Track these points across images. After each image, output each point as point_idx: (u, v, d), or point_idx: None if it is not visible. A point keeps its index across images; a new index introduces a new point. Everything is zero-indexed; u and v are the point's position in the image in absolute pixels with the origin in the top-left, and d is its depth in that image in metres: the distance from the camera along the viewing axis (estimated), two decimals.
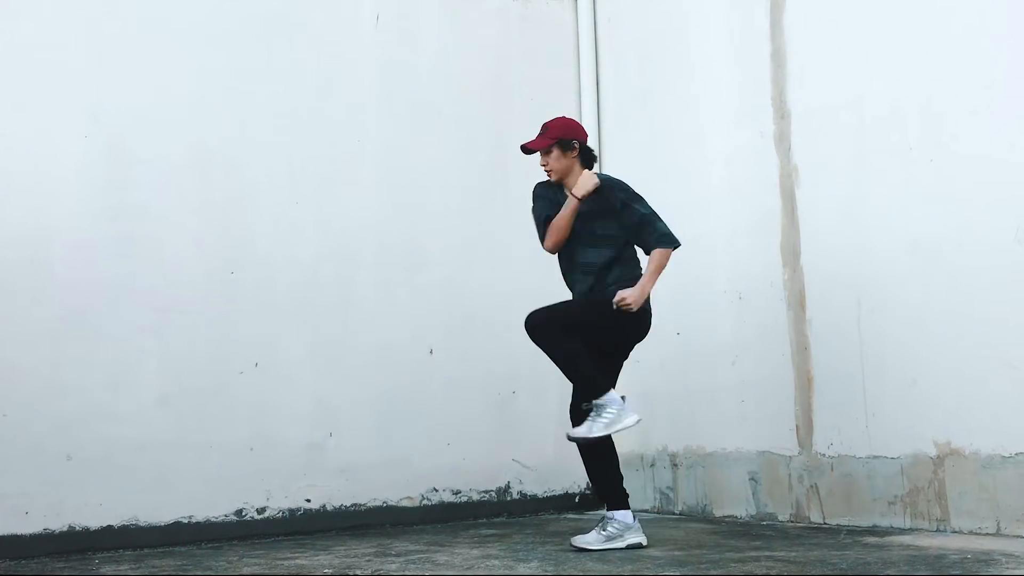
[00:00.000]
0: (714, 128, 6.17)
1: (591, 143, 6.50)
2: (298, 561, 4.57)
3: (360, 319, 5.98)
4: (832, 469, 5.37)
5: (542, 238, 4.87)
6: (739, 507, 5.88)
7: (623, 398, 4.70)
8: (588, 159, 4.99)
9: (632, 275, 4.82)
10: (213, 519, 5.42)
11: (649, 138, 6.57)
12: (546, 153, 4.91)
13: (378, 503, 5.91)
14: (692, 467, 6.18)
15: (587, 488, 6.55)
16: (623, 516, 4.77)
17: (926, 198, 5.01)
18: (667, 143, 6.46)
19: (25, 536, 4.96)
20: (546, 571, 4.07)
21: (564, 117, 5.10)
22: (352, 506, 5.82)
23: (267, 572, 4.30)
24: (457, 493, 6.16)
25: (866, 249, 5.26)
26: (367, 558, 4.58)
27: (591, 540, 4.68)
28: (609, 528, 4.72)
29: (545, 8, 6.86)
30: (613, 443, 4.86)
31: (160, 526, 5.26)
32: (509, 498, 6.29)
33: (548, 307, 4.70)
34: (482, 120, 6.55)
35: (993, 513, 4.67)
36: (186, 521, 5.34)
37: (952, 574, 3.70)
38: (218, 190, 5.64)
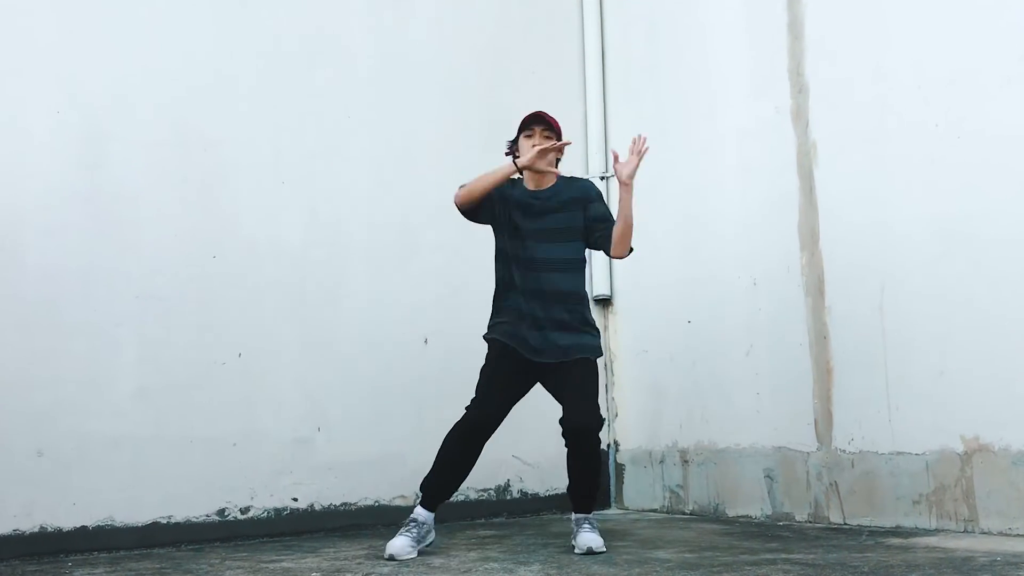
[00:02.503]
0: (727, 103, 6.15)
1: (596, 117, 6.53)
2: (284, 564, 4.55)
3: (350, 306, 5.98)
4: (853, 466, 5.36)
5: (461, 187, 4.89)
6: (754, 507, 5.87)
7: None
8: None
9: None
10: (194, 519, 5.40)
11: (657, 113, 6.55)
12: (548, 137, 4.85)
13: (370, 502, 5.90)
14: (704, 464, 6.17)
15: None
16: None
17: (953, 177, 4.99)
18: (677, 118, 6.45)
19: None
20: (548, 574, 4.05)
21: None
22: (342, 505, 5.82)
23: None
24: None
25: (889, 232, 5.24)
26: (358, 561, 4.56)
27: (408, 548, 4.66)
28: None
29: None
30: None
31: (137, 527, 5.25)
32: (509, 497, 6.28)
33: (590, 394, 4.77)
34: (480, 94, 6.53)
35: None
36: (165, 521, 5.32)
37: None
38: (198, 169, 5.61)
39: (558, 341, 4.77)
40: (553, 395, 4.88)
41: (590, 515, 4.83)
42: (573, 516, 4.86)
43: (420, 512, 4.77)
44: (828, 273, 5.53)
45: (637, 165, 4.76)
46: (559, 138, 4.89)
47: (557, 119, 4.88)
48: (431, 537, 4.81)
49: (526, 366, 4.82)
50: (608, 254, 4.91)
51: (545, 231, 4.83)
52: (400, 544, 4.63)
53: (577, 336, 4.81)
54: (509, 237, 4.86)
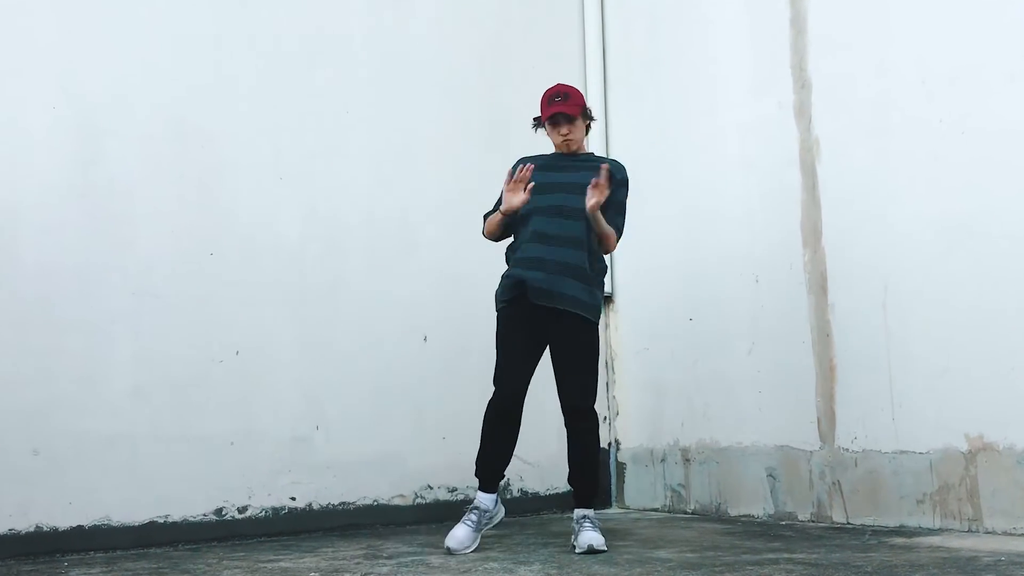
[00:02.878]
0: (729, 98, 6.14)
1: (596, 113, 6.52)
2: (282, 564, 4.54)
3: (349, 304, 5.97)
4: (856, 465, 5.35)
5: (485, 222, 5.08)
6: (756, 506, 5.86)
7: None
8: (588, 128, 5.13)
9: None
10: (191, 519, 5.39)
11: (659, 109, 6.55)
12: (572, 122, 4.94)
13: (368, 502, 5.89)
14: (705, 463, 6.17)
15: None
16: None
17: (957, 174, 4.98)
18: (678, 114, 6.45)
19: None
20: (548, 574, 4.04)
21: (567, 85, 5.05)
22: (340, 505, 5.81)
23: None
24: (453, 491, 6.15)
25: (892, 229, 5.24)
26: (356, 560, 4.56)
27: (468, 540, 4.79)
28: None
29: None
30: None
31: (134, 526, 5.24)
32: (508, 496, 6.27)
33: (586, 377, 4.86)
34: (479, 91, 6.53)
35: None
36: (162, 521, 5.32)
37: None
38: (196, 165, 5.60)
39: (563, 288, 4.77)
40: (553, 363, 4.89)
41: (591, 512, 4.83)
42: (574, 514, 4.85)
43: (480, 498, 4.88)
44: (831, 270, 5.52)
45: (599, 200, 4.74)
46: (584, 115, 4.96)
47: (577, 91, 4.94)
48: (499, 517, 4.98)
49: (533, 326, 4.84)
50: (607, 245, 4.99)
51: (568, 184, 4.85)
52: (460, 536, 4.73)
53: (584, 288, 4.81)
54: (534, 194, 4.81)
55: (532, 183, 4.79)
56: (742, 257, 6.00)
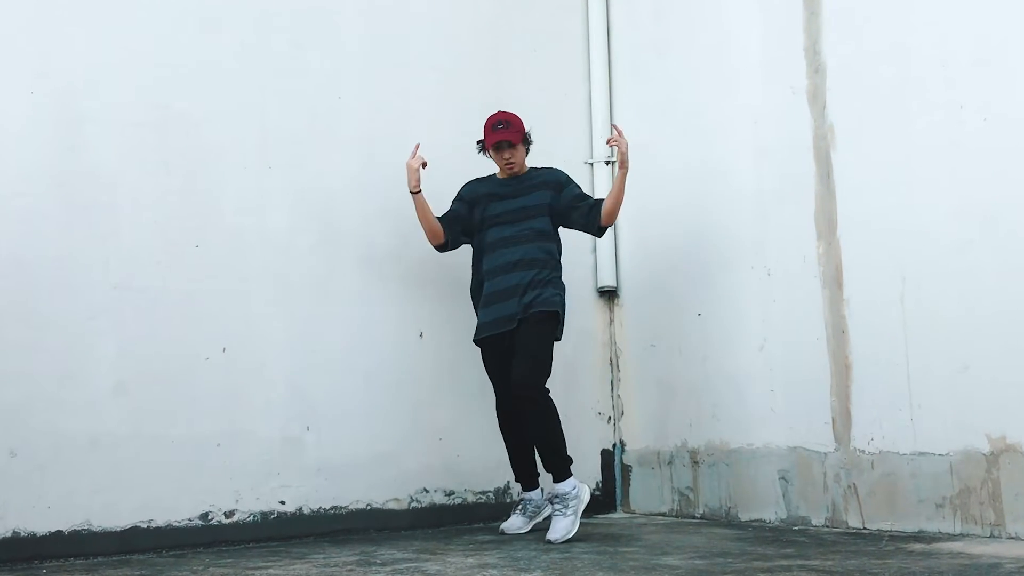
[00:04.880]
0: (740, 83, 6.13)
1: (601, 97, 6.64)
2: (271, 571, 4.54)
3: (341, 298, 5.95)
4: (872, 467, 5.35)
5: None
6: (768, 510, 5.86)
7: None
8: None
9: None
10: (175, 523, 5.38)
11: (666, 94, 6.54)
12: (513, 147, 5.65)
13: (361, 505, 5.89)
14: (714, 465, 6.16)
15: (596, 489, 6.55)
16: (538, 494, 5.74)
17: (979, 162, 4.98)
18: (687, 99, 6.44)
19: None
20: None
21: (508, 112, 5.73)
22: (332, 509, 5.80)
23: None
24: (450, 494, 6.15)
25: (911, 219, 5.23)
26: (349, 567, 4.55)
27: (519, 524, 5.67)
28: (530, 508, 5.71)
29: None
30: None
31: (116, 531, 5.22)
32: (508, 500, 6.26)
33: (535, 352, 5.44)
34: (478, 74, 6.51)
35: None
36: (145, 526, 5.30)
37: None
38: (180, 152, 5.58)
39: (521, 301, 5.48)
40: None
41: (564, 490, 5.33)
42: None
43: (526, 492, 5.74)
44: (846, 263, 5.52)
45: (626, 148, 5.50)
46: (521, 137, 5.65)
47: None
48: (546, 511, 5.60)
49: (504, 340, 5.55)
50: (590, 230, 5.68)
51: (513, 211, 5.61)
52: (512, 522, 5.67)
53: (536, 292, 5.49)
54: (480, 229, 5.68)
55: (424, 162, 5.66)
56: (753, 249, 5.99)
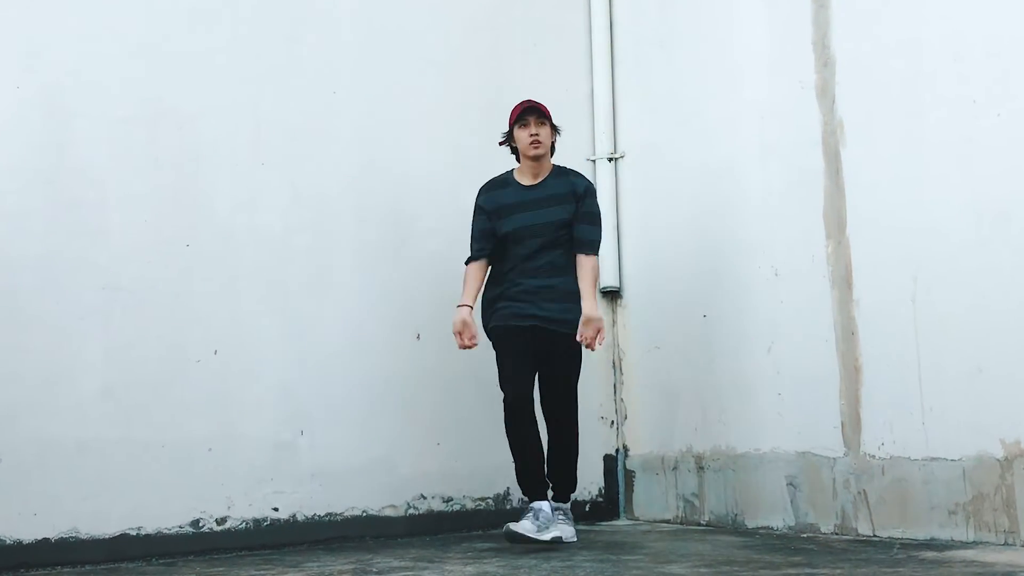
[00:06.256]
0: (746, 77, 6.13)
1: (604, 92, 6.63)
2: None
3: (336, 299, 5.95)
4: (883, 473, 5.34)
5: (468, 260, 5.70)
6: (775, 517, 5.85)
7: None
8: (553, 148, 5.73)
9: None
10: (165, 531, 5.37)
11: (670, 88, 6.54)
12: (543, 124, 5.52)
13: (357, 512, 5.88)
14: (721, 471, 6.15)
15: (599, 495, 6.53)
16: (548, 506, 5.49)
17: (992, 158, 4.97)
18: (691, 95, 6.43)
19: None
20: None
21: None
22: (326, 516, 5.79)
23: None
24: (448, 501, 6.14)
25: (922, 217, 5.22)
26: (344, 575, 4.53)
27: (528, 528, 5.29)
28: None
29: None
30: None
31: (104, 539, 5.21)
32: (508, 506, 6.26)
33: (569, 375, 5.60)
34: (477, 69, 6.51)
35: None
36: (134, 533, 5.29)
37: None
38: (171, 149, 5.58)
39: (541, 310, 5.46)
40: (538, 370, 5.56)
41: (564, 506, 5.55)
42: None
43: (535, 503, 5.44)
44: (856, 263, 5.51)
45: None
46: (552, 125, 5.57)
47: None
48: (555, 530, 5.30)
49: (525, 331, 5.47)
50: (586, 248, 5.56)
51: (536, 226, 5.50)
52: (523, 524, 5.25)
53: (561, 308, 5.47)
54: (503, 234, 5.55)
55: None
56: (760, 249, 5.98)
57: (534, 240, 5.48)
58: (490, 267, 5.64)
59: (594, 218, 5.55)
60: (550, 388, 5.54)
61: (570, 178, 5.60)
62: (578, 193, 5.53)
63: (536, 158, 5.52)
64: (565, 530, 5.32)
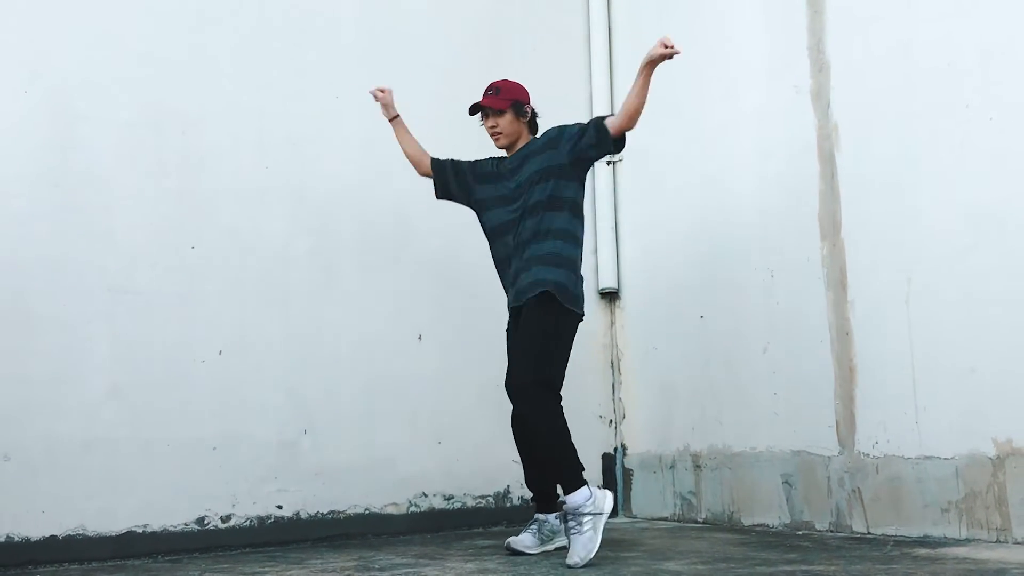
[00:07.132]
0: (742, 82, 6.15)
1: (602, 97, 6.53)
2: None
3: (339, 300, 5.97)
4: (877, 471, 5.36)
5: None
6: (771, 515, 5.87)
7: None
8: (534, 126, 5.31)
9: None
10: (171, 528, 5.40)
11: (668, 94, 6.48)
12: (498, 115, 5.20)
13: (359, 510, 5.90)
14: (717, 469, 6.18)
15: None
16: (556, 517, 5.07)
17: (985, 161, 4.97)
18: (689, 99, 6.44)
19: None
20: None
21: (511, 80, 5.33)
22: (329, 514, 5.82)
23: None
24: (449, 499, 6.17)
25: (916, 220, 5.23)
26: (346, 573, 4.56)
27: (528, 543, 5.06)
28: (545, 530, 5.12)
29: None
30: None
31: (111, 536, 5.23)
32: (509, 504, 6.28)
33: (528, 349, 4.86)
34: (476, 73, 6.48)
35: None
36: (140, 530, 5.32)
37: None
38: (176, 152, 5.60)
39: (516, 290, 5.01)
40: None
41: (576, 503, 4.65)
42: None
43: (539, 513, 5.16)
44: (851, 264, 5.52)
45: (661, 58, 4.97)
46: (515, 107, 5.19)
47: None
48: (560, 540, 5.04)
49: (513, 319, 5.09)
50: (605, 149, 5.07)
51: (519, 187, 5.08)
52: (522, 539, 5.06)
53: (537, 271, 4.93)
54: (485, 211, 5.25)
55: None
56: (756, 251, 6.00)
57: (508, 236, 5.06)
58: (427, 158, 5.53)
59: (584, 125, 5.05)
60: (509, 364, 4.96)
61: (546, 132, 5.16)
62: (553, 136, 5.07)
63: (507, 147, 5.25)
64: (576, 542, 4.56)
